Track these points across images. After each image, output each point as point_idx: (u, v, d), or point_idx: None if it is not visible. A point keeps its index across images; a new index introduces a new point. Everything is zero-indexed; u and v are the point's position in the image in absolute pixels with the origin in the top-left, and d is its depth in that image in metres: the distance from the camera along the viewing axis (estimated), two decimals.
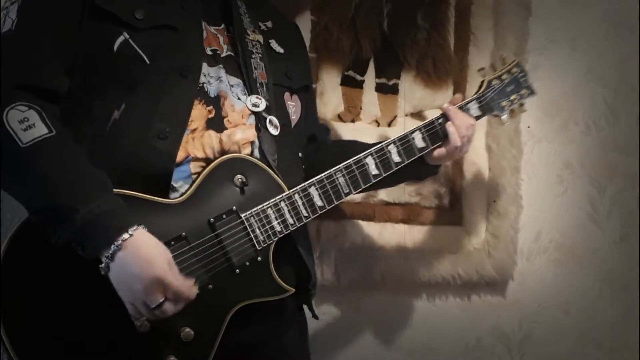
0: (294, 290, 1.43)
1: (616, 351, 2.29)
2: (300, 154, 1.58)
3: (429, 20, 2.06)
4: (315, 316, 1.60)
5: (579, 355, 2.27)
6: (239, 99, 1.44)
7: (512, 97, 1.74)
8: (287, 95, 1.57)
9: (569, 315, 2.27)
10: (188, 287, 1.27)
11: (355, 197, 1.56)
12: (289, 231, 1.42)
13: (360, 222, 2.05)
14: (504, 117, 1.74)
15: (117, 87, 1.34)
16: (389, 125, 2.06)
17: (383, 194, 2.05)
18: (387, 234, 2.06)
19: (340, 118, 2.01)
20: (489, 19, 2.11)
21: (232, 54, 1.47)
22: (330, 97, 1.99)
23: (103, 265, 1.24)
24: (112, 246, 1.22)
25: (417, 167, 1.63)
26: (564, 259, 2.26)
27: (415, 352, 2.15)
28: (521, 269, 2.20)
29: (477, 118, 1.69)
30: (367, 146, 1.59)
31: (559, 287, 2.26)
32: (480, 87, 1.73)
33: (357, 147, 1.61)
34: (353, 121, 2.02)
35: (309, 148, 1.68)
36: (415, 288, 2.11)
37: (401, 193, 2.06)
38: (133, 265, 1.22)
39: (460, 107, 1.66)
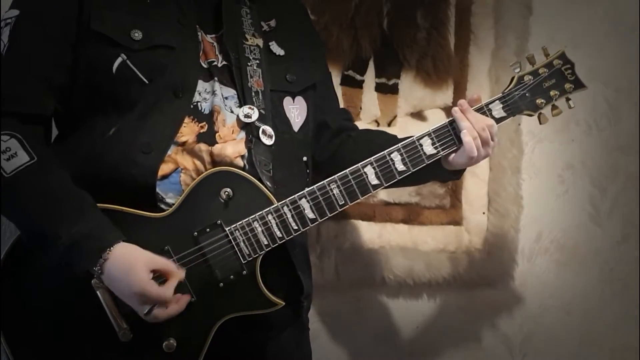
0: (283, 303, 1.41)
1: (617, 352, 2.28)
2: (305, 159, 1.55)
3: (429, 20, 2.05)
4: (306, 327, 1.59)
5: (581, 356, 2.27)
6: (231, 111, 1.43)
7: (552, 93, 1.57)
8: (287, 99, 1.54)
9: (570, 315, 2.26)
10: (168, 292, 1.28)
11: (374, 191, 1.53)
12: (277, 244, 1.40)
13: (360, 222, 2.05)
14: (542, 114, 1.58)
15: (116, 106, 1.37)
16: (389, 125, 2.05)
17: (383, 194, 2.04)
18: (387, 234, 2.06)
19: None
20: (489, 18, 2.11)
21: (227, 62, 1.47)
22: None
23: (97, 282, 1.29)
24: (96, 267, 1.27)
25: (435, 172, 1.56)
26: (565, 259, 2.26)
27: (415, 352, 2.15)
28: (522, 270, 2.19)
29: (502, 119, 1.54)
30: (394, 139, 1.56)
31: (560, 288, 2.26)
32: (509, 84, 1.57)
33: (383, 141, 1.55)
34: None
35: (323, 139, 1.66)
36: (416, 288, 2.10)
37: (401, 193, 2.06)
38: (116, 283, 1.28)
39: (480, 109, 1.53)
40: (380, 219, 2.06)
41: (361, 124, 2.02)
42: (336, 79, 2.01)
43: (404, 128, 2.03)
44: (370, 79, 2.05)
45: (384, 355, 2.13)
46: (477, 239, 2.12)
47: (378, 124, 2.05)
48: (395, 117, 2.06)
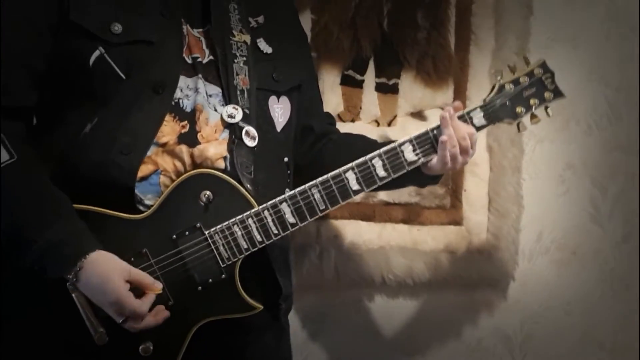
0: (261, 307, 1.40)
1: (618, 352, 2.28)
2: (286, 159, 1.54)
3: (429, 20, 2.05)
4: (286, 329, 1.59)
5: (581, 356, 2.27)
6: (215, 110, 1.41)
7: (532, 102, 1.58)
8: (272, 98, 1.52)
9: (570, 315, 2.27)
10: (144, 307, 1.28)
11: (355, 197, 1.54)
12: (257, 248, 1.39)
13: (360, 222, 2.04)
14: (521, 123, 1.58)
15: (92, 101, 1.35)
16: (389, 125, 2.05)
17: (383, 194, 2.04)
18: (387, 234, 2.06)
19: (340, 118, 2.00)
20: (489, 18, 2.11)
21: (213, 58, 1.44)
22: (329, 97, 1.98)
23: (70, 287, 1.27)
24: (70, 275, 1.26)
25: (414, 176, 1.54)
26: (565, 259, 2.26)
27: (415, 352, 2.15)
28: (522, 270, 2.19)
29: (482, 127, 1.55)
30: (374, 144, 1.56)
31: (560, 288, 2.26)
32: (490, 92, 1.58)
33: (363, 145, 1.55)
34: (353, 121, 2.02)
35: (306, 142, 1.64)
36: (415, 288, 2.10)
37: (401, 193, 2.05)
38: (92, 290, 1.27)
39: (462, 116, 1.53)
40: (380, 219, 2.06)
41: (361, 124, 2.03)
42: (336, 79, 2.01)
43: (404, 128, 2.03)
44: (370, 78, 2.05)
45: (383, 355, 2.13)
46: (477, 239, 2.12)
47: (378, 124, 2.05)
48: (395, 117, 2.06)
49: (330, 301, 2.07)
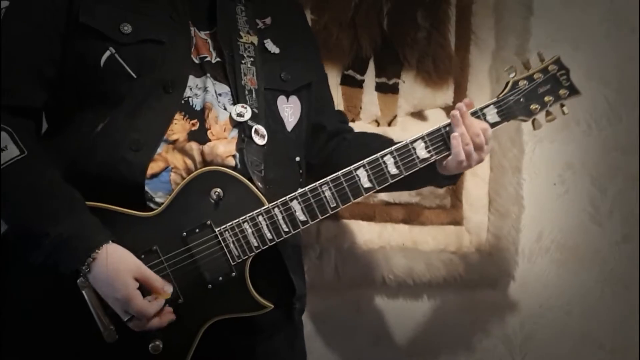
0: (272, 307, 1.39)
1: (618, 352, 2.29)
2: (297, 159, 1.53)
3: (430, 19, 2.05)
4: (300, 329, 1.58)
5: (581, 356, 2.27)
6: (225, 109, 1.42)
7: (547, 99, 1.54)
8: (281, 98, 1.52)
9: (570, 315, 2.27)
10: (150, 309, 1.28)
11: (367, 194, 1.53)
12: (267, 246, 1.38)
13: (360, 222, 2.04)
14: (536, 120, 1.55)
15: (104, 101, 1.36)
16: (389, 124, 2.05)
17: (383, 194, 2.04)
18: (387, 234, 2.05)
19: None
20: (490, 18, 2.11)
21: (221, 59, 1.45)
22: None
23: (82, 282, 1.28)
24: (84, 266, 1.26)
25: (431, 176, 1.53)
26: (565, 259, 2.26)
27: (415, 352, 2.14)
28: (522, 270, 2.19)
29: (496, 124, 1.52)
30: (390, 143, 1.54)
31: (560, 288, 2.26)
32: (504, 88, 1.55)
33: (379, 145, 1.52)
34: (353, 121, 2.01)
35: (318, 141, 1.64)
36: (416, 288, 2.10)
37: (402, 193, 2.05)
38: (102, 284, 1.27)
39: (475, 113, 1.50)
40: (380, 219, 2.05)
41: (361, 124, 2.02)
42: (336, 79, 2.01)
43: (405, 128, 2.03)
44: (370, 78, 2.04)
45: (383, 355, 2.13)
46: (477, 239, 2.12)
47: (378, 124, 2.05)
48: (395, 116, 2.06)
49: (330, 301, 2.06)
